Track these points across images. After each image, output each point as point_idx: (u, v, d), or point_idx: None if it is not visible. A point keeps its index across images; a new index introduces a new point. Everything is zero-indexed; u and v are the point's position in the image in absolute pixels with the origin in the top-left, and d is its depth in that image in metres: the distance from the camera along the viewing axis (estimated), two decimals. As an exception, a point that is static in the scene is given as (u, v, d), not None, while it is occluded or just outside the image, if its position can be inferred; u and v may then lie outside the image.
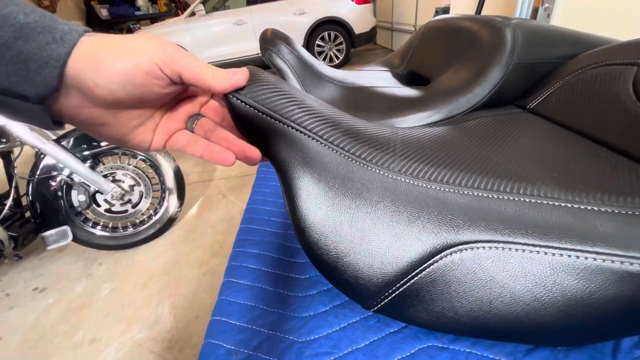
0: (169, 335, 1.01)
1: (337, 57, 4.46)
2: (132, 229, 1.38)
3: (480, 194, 0.27)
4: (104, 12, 5.79)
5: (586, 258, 0.24)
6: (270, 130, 0.26)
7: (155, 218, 1.42)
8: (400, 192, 0.26)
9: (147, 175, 1.38)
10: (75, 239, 1.28)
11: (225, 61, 4.27)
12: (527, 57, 0.52)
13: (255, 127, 0.26)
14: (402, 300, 0.26)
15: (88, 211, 1.30)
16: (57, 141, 1.17)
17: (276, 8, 4.15)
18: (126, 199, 1.33)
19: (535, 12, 1.11)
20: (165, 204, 1.43)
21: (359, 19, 4.30)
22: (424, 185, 0.27)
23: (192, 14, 4.16)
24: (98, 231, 1.32)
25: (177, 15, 5.49)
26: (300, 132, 0.26)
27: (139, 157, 1.34)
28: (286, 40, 0.65)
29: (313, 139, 0.26)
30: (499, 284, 0.25)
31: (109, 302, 1.17)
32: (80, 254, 1.41)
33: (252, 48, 4.21)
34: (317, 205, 0.26)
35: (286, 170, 0.26)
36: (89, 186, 1.23)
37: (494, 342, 0.31)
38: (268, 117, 0.26)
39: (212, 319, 0.35)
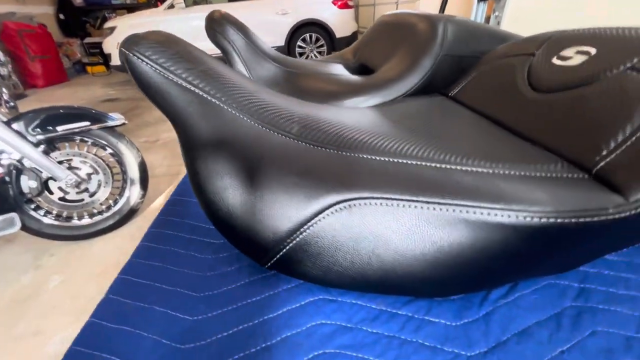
0: (119, 327, 0.98)
1: (318, 59, 4.51)
2: (88, 219, 1.33)
3: (363, 156, 0.29)
4: (77, -1, 5.55)
5: (447, 210, 0.26)
6: (166, 88, 0.27)
7: (114, 209, 1.37)
8: (292, 152, 0.28)
9: (107, 164, 1.33)
10: (24, 228, 1.21)
11: (204, 56, 4.19)
12: (455, 50, 0.56)
13: (153, 84, 0.27)
14: (294, 255, 0.27)
15: (40, 199, 1.23)
16: (8, 123, 1.11)
17: (258, 6, 4.13)
18: (82, 187, 1.27)
19: (487, 20, 1.19)
20: (126, 195, 1.38)
21: (341, 24, 4.37)
22: (318, 147, 0.29)
23: (171, 6, 4.07)
24: (49, 220, 1.26)
25: (156, 7, 5.35)
26: (200, 92, 0.27)
27: (99, 145, 1.29)
28: (234, 23, 0.66)
29: (212, 98, 0.27)
30: (373, 236, 0.27)
31: (57, 293, 1.11)
32: (30, 244, 1.34)
33: (232, 45, 4.17)
34: (213, 162, 0.26)
35: (183, 129, 0.27)
36: (41, 172, 1.17)
37: (378, 295, 0.33)
38: (164, 75, 0.26)
39: (118, 277, 0.35)
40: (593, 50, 0.37)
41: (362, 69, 0.78)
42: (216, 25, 0.64)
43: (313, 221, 0.26)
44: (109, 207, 1.37)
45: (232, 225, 0.27)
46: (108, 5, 5.77)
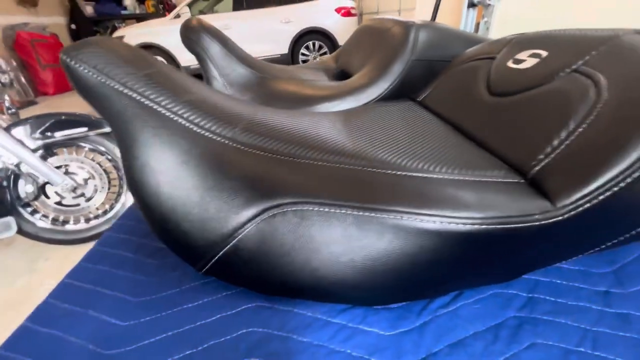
0: (108, 332, 0.98)
1: (321, 67, 4.55)
2: (84, 223, 1.34)
3: (301, 160, 0.29)
4: (89, 10, 5.71)
5: (376, 215, 0.26)
6: (104, 92, 0.27)
7: (110, 214, 1.38)
8: (229, 156, 0.27)
9: (104, 169, 1.35)
10: (21, 231, 1.23)
11: (208, 64, 4.27)
12: (426, 55, 0.56)
13: (90, 88, 0.27)
14: (227, 261, 0.27)
15: (36, 203, 1.25)
16: (8, 129, 1.14)
17: (262, 15, 4.20)
18: (79, 192, 1.29)
19: (477, 26, 1.19)
20: (122, 200, 1.39)
21: (343, 31, 4.40)
22: (256, 152, 0.28)
23: (178, 16, 4.16)
24: (45, 224, 1.28)
25: (164, 17, 5.48)
26: (138, 96, 0.27)
27: (96, 150, 1.32)
28: (209, 30, 0.67)
29: (150, 102, 0.27)
30: (304, 242, 0.26)
31: (49, 297, 1.12)
32: (27, 248, 1.36)
33: (236, 53, 4.25)
34: (148, 166, 0.26)
35: (120, 133, 0.27)
36: (38, 177, 1.19)
37: (317, 302, 0.32)
38: (100, 79, 0.27)
39: (62, 281, 0.35)
40: (545, 53, 0.37)
41: (342, 75, 0.79)
42: (190, 33, 0.65)
43: (245, 227, 0.26)
44: (105, 212, 1.38)
45: (166, 229, 0.27)
46: (118, 16, 5.94)
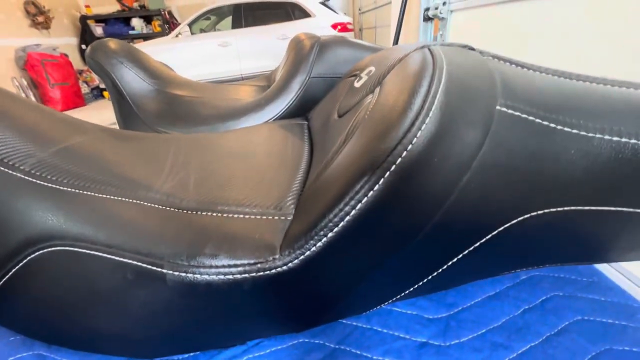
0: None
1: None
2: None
3: (85, 192, 0.26)
4: (98, 30, 5.98)
5: (131, 260, 0.22)
6: None
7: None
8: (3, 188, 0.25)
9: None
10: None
11: (208, 80, 4.37)
12: (322, 72, 0.53)
13: None
14: None
15: None
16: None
17: (260, 32, 4.31)
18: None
19: (435, 39, 1.16)
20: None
21: (341, 46, 4.46)
22: (41, 183, 0.26)
23: (179, 34, 4.31)
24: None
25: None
26: None
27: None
28: (117, 50, 0.65)
29: None
30: (65, 287, 0.24)
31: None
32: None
33: (234, 69, 4.35)
34: None
35: None
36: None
37: (97, 354, 0.28)
38: None
39: None
40: (374, 70, 0.34)
41: None
42: (96, 56, 0.64)
43: (10, 266, 0.24)
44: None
45: None
46: (126, 36, 6.19)
